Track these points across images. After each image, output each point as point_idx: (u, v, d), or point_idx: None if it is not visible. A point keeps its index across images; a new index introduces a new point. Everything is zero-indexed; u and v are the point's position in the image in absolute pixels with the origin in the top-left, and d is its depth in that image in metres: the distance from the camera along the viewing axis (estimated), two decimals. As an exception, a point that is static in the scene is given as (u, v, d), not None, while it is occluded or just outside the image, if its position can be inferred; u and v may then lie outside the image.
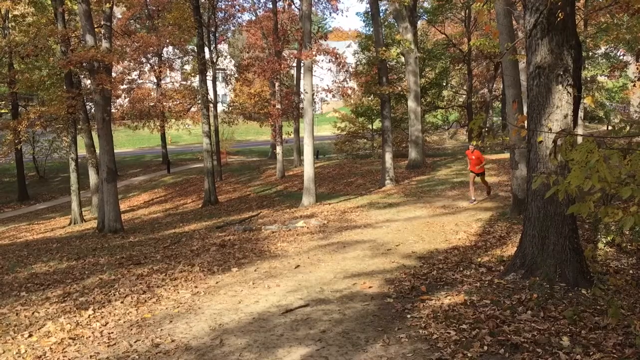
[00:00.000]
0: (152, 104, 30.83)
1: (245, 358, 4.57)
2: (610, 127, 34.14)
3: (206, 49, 25.24)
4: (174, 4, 25.41)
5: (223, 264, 8.80)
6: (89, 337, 5.41)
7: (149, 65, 32.31)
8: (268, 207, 18.61)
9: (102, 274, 8.90)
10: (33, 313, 6.58)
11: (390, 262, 8.05)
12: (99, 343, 5.20)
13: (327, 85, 24.74)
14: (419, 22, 32.28)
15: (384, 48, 19.98)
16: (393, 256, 8.44)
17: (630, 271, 6.42)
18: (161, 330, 5.47)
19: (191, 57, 31.35)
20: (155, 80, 34.05)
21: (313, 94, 18.41)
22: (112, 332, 5.52)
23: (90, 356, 4.84)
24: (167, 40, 25.63)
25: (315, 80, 20.32)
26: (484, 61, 34.87)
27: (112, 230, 15.59)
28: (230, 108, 33.87)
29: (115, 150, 16.61)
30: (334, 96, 26.01)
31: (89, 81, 18.62)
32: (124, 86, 28.74)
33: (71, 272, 9.49)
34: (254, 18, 32.15)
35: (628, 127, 3.32)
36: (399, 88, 26.01)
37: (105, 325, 5.79)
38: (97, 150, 18.07)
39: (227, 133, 37.01)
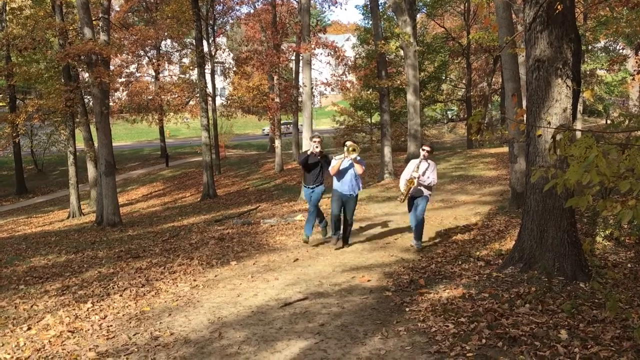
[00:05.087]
0: (150, 97, 30.75)
1: (244, 351, 4.58)
2: (609, 121, 34.11)
3: (204, 42, 25.16)
4: (172, -3, 25.28)
5: (222, 258, 8.81)
6: (88, 330, 5.42)
7: (147, 58, 32.25)
8: (267, 200, 18.62)
9: (101, 268, 8.91)
10: (32, 306, 6.58)
11: (389, 255, 8.07)
12: (98, 336, 5.21)
13: (326, 79, 24.74)
14: (418, 16, 32.22)
15: (383, 41, 19.93)
16: (392, 250, 8.45)
17: (629, 264, 6.43)
18: (160, 323, 5.47)
19: (189, 50, 31.30)
20: (154, 74, 33.98)
21: (312, 88, 18.39)
22: (111, 325, 5.52)
23: (90, 349, 4.85)
24: (165, 33, 25.59)
25: (314, 73, 20.30)
26: (483, 55, 34.82)
27: (110, 224, 15.59)
28: (228, 101, 33.82)
29: (113, 144, 16.60)
30: (332, 90, 25.99)
31: (87, 74, 18.58)
32: (122, 79, 28.64)
33: (70, 266, 9.49)
34: (252, 11, 32.02)
35: (627, 121, 3.31)
36: (398, 82, 25.98)
37: (104, 318, 5.79)
38: (96, 144, 18.05)
39: (225, 127, 36.99)
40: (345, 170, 8.60)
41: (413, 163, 8.64)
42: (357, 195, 8.83)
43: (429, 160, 8.53)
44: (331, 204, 8.77)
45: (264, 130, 50.47)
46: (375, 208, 13.27)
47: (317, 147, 8.83)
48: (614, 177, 2.80)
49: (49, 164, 37.15)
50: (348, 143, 8.61)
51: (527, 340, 4.26)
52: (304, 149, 16.81)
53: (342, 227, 8.90)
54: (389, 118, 20.17)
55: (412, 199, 8.58)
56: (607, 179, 2.82)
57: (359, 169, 8.54)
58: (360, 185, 8.80)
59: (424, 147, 8.59)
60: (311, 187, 9.05)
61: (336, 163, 8.55)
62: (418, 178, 8.31)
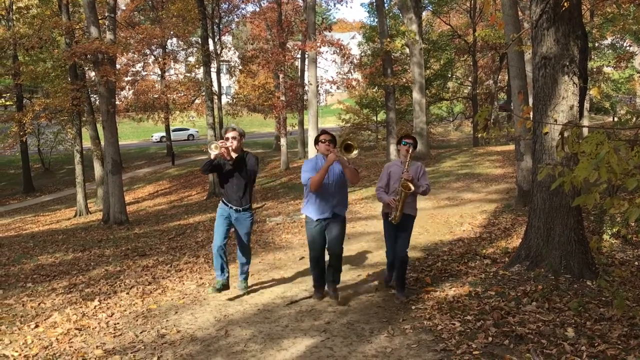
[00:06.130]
0: (156, 95, 30.85)
1: (250, 349, 4.59)
2: (616, 119, 33.91)
3: (210, 41, 25.18)
4: (178, -4, 25.33)
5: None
6: (95, 327, 5.44)
7: (153, 57, 32.29)
8: (272, 199, 18.63)
9: (108, 266, 8.94)
10: (39, 304, 6.61)
11: (394, 253, 8.05)
12: (105, 334, 5.23)
13: (332, 77, 24.70)
14: (424, 13, 32.10)
15: (388, 39, 19.92)
16: (397, 248, 8.43)
17: (636, 263, 6.40)
18: (167, 321, 5.49)
19: (195, 48, 31.29)
20: (160, 72, 34.04)
21: (317, 86, 18.37)
22: (118, 323, 5.55)
23: (97, 346, 4.87)
24: (171, 32, 25.64)
25: (319, 71, 20.26)
26: (489, 52, 34.68)
27: (117, 222, 15.64)
28: (234, 100, 33.84)
29: (119, 142, 16.63)
30: (338, 88, 25.95)
31: (93, 73, 18.64)
32: (128, 78, 28.71)
33: (77, 264, 9.53)
34: (257, 9, 32.07)
35: (634, 119, 3.29)
36: (404, 79, 25.96)
37: (111, 316, 5.82)
38: (102, 142, 18.11)
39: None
40: (332, 183, 5.57)
41: (393, 167, 5.81)
42: (344, 217, 5.79)
43: (414, 162, 5.74)
44: (308, 244, 5.82)
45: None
46: (381, 206, 13.24)
47: (229, 145, 5.78)
48: (621, 175, 2.78)
49: (55, 162, 37.32)
50: (323, 137, 5.63)
51: (533, 338, 4.25)
52: (309, 147, 16.78)
53: (326, 269, 5.88)
54: (395, 116, 20.16)
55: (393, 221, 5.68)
56: (615, 177, 2.80)
57: (352, 177, 5.48)
58: (347, 201, 5.86)
59: (404, 139, 5.68)
60: (234, 207, 5.96)
61: (318, 175, 5.39)
62: (411, 180, 5.46)
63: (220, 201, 6.14)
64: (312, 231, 5.68)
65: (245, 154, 6.02)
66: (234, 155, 5.81)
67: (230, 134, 5.86)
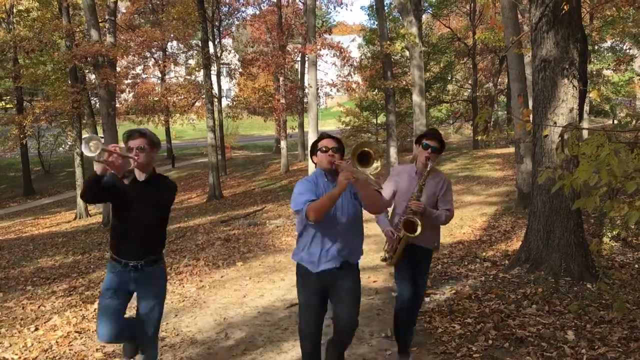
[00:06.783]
0: (156, 98, 30.85)
1: (250, 352, 4.59)
2: (615, 121, 33.91)
3: (210, 44, 25.21)
4: (178, -2, 25.37)
5: (228, 258, 8.82)
6: (95, 330, 5.44)
7: (153, 59, 32.31)
8: (273, 201, 18.63)
9: (108, 268, 8.93)
10: (39, 307, 6.61)
11: (394, 256, 8.05)
12: (105, 336, 5.23)
13: (332, 80, 24.74)
14: (423, 16, 32.12)
15: (388, 42, 19.94)
16: (398, 250, 8.42)
17: (636, 265, 6.40)
18: (167, 324, 5.49)
19: (195, 51, 31.33)
20: (160, 75, 34.08)
21: (317, 89, 18.39)
22: (117, 326, 5.54)
23: (97, 349, 4.87)
24: (171, 35, 25.66)
25: (319, 74, 20.28)
26: (489, 55, 34.69)
27: (117, 225, 15.60)
28: (234, 103, 33.88)
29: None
30: (338, 90, 26.00)
31: (93, 76, 18.66)
32: (129, 81, 28.74)
33: (77, 266, 9.53)
34: (258, 12, 32.13)
35: (634, 121, 3.30)
36: (404, 82, 25.92)
37: (111, 318, 5.81)
38: (102, 145, 18.08)
39: (231, 128, 37.01)
40: (343, 215, 3.38)
41: (402, 176, 4.06)
42: (358, 266, 3.53)
43: (436, 173, 4.02)
44: (300, 311, 3.53)
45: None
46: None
47: (136, 154, 3.41)
48: (621, 178, 2.78)
49: (55, 165, 37.28)
50: (323, 145, 3.44)
51: (533, 341, 4.25)
52: (309, 151, 16.69)
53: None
54: (395, 119, 20.17)
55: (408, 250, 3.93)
56: (615, 180, 2.80)
57: (371, 203, 3.36)
58: (362, 245, 3.56)
59: (426, 140, 3.90)
60: (132, 263, 3.50)
61: (324, 199, 3.18)
62: (423, 212, 3.82)
63: (109, 261, 3.62)
64: (308, 291, 3.44)
65: (159, 176, 3.70)
66: (139, 174, 3.53)
67: (135, 142, 3.43)
